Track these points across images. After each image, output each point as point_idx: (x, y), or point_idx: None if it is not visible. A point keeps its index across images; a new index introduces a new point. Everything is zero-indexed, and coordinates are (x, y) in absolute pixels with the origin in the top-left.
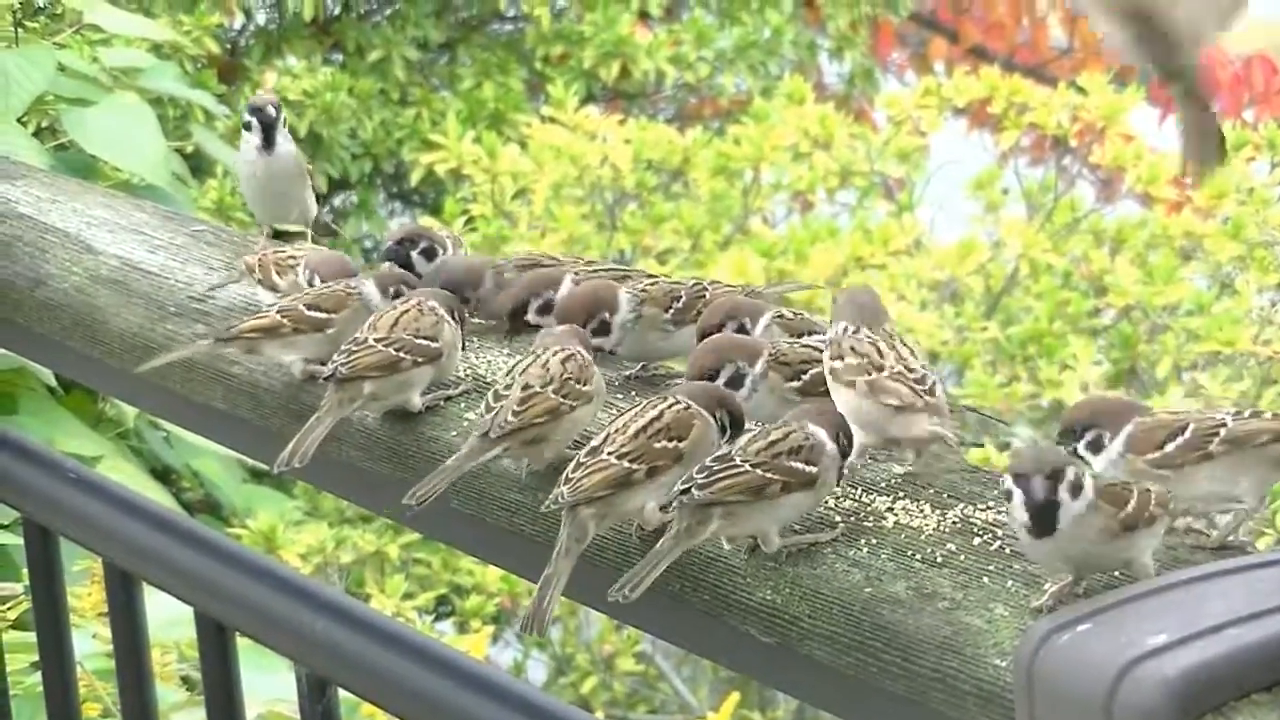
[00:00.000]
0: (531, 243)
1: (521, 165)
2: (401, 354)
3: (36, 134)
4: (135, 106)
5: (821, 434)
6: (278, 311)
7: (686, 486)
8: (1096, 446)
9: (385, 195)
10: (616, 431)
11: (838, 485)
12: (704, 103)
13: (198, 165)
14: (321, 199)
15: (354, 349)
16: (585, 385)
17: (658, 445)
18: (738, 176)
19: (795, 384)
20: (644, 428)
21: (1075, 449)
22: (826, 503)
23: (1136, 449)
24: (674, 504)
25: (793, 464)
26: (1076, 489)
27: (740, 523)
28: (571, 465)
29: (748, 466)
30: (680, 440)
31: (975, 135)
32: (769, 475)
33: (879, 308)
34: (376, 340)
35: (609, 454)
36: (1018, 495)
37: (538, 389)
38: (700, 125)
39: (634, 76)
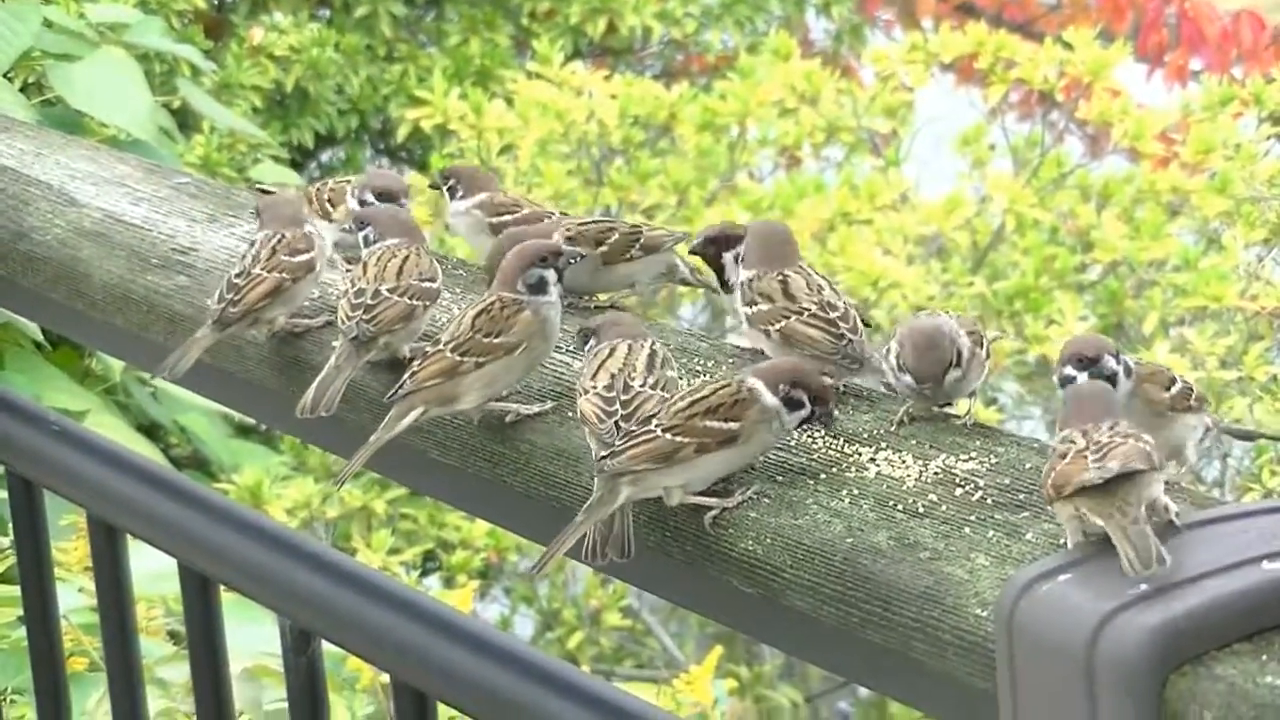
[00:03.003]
0: None
1: (507, 121)
2: (416, 301)
3: (23, 89)
4: (121, 61)
5: (760, 386)
6: (270, 270)
7: (602, 456)
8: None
9: (372, 151)
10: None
11: (797, 434)
12: (690, 59)
13: (184, 121)
14: (308, 155)
15: (371, 303)
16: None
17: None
18: (724, 132)
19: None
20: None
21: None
22: (803, 453)
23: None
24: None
25: (709, 423)
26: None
27: (651, 486)
28: (621, 435)
29: (659, 431)
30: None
31: (962, 91)
32: (680, 439)
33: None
34: (390, 290)
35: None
36: None
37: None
38: (687, 81)
39: (620, 32)
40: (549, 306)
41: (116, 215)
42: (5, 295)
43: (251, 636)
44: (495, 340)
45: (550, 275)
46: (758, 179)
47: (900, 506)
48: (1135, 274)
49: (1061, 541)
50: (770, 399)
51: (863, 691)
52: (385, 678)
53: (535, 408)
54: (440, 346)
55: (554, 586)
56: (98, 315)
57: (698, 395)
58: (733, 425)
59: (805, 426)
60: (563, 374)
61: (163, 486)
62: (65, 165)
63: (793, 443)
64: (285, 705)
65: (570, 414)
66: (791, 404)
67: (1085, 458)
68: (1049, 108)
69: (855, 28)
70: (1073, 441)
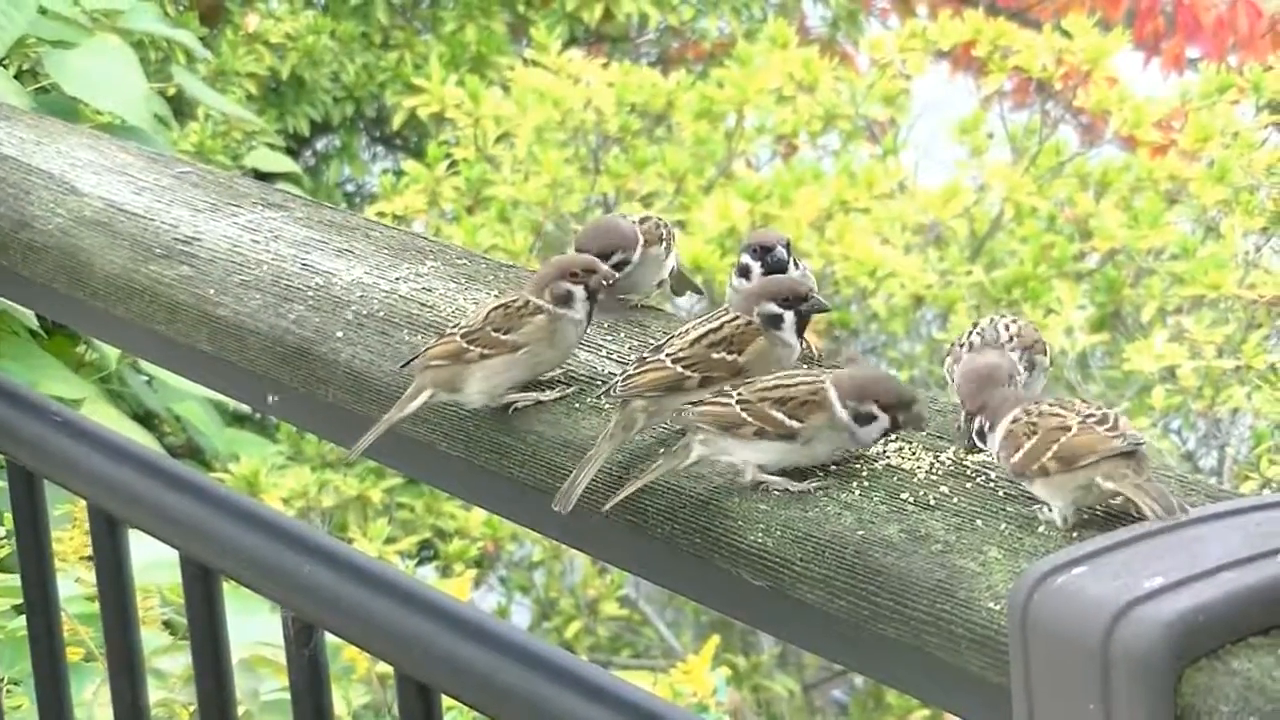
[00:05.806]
0: (514, 187)
1: (504, 109)
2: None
3: (17, 76)
4: (116, 48)
5: (833, 396)
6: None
7: (685, 406)
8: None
9: (368, 139)
10: (676, 336)
11: (861, 450)
12: (687, 46)
13: (179, 108)
14: (303, 143)
15: None
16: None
17: (715, 356)
18: (721, 120)
19: None
20: (701, 337)
21: None
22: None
23: None
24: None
25: (774, 413)
26: None
27: (719, 451)
28: (633, 362)
29: (733, 402)
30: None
31: (959, 78)
32: (746, 416)
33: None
34: None
35: (666, 356)
36: None
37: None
38: (683, 68)
39: (617, 19)
40: (568, 321)
41: (118, 204)
42: (6, 285)
43: (248, 627)
44: (503, 336)
45: (579, 291)
46: (755, 167)
47: (911, 499)
48: (1133, 262)
49: (1074, 535)
50: (840, 411)
51: (858, 680)
52: (382, 667)
53: (537, 395)
54: (453, 330)
55: (551, 576)
56: (99, 305)
57: (780, 381)
58: (794, 424)
59: (893, 436)
60: (570, 365)
61: (165, 477)
62: (66, 154)
63: None
64: (282, 696)
65: (577, 405)
66: (862, 419)
67: (1094, 430)
68: (1046, 96)
69: (852, 15)
70: (1060, 414)
